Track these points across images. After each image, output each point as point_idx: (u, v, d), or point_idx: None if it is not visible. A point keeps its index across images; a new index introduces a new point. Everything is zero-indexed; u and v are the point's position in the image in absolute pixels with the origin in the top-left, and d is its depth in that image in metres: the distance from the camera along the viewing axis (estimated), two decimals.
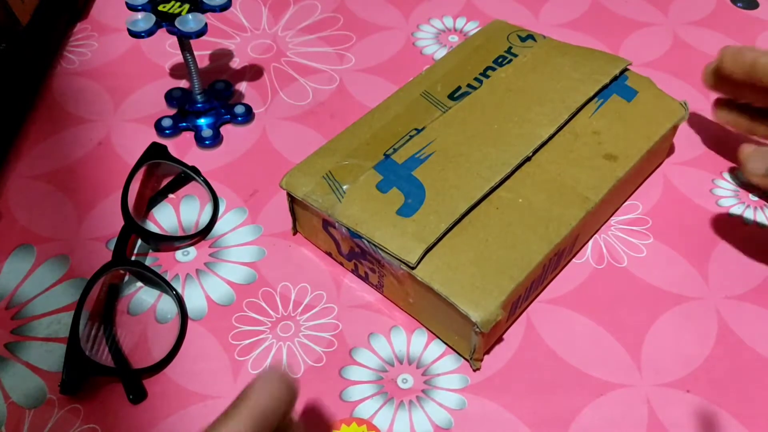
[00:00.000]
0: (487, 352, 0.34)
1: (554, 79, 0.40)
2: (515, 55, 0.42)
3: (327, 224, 0.36)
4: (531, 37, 0.43)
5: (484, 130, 0.37)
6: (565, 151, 0.37)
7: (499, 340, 0.35)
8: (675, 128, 0.40)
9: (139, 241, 0.38)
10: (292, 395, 0.24)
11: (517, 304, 0.34)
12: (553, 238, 0.33)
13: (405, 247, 0.32)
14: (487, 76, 0.41)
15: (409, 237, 0.33)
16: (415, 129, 0.38)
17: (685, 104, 0.40)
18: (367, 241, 0.33)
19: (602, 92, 0.40)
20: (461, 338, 0.33)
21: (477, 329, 0.31)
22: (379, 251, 0.33)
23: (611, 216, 0.40)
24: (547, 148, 0.37)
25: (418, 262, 0.32)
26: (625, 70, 0.41)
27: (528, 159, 0.36)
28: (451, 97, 0.40)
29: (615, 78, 0.40)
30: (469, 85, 0.40)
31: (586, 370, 0.34)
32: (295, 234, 0.39)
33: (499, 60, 0.42)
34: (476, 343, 0.32)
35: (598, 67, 0.41)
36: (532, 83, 0.40)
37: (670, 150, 0.43)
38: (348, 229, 0.34)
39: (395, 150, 0.36)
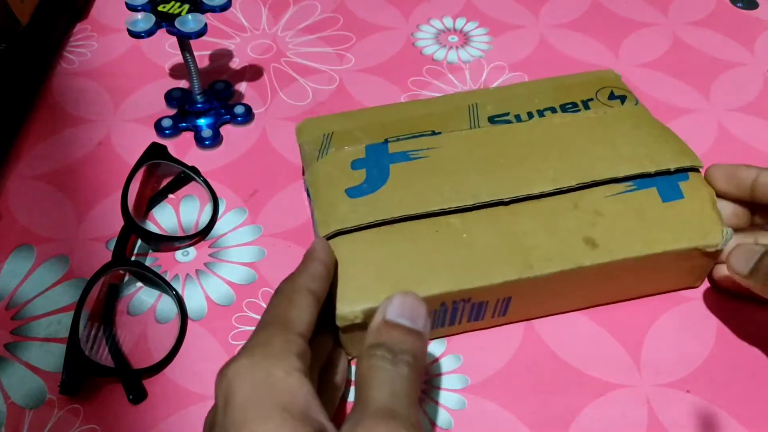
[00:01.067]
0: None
1: (600, 145, 0.36)
2: (588, 109, 0.38)
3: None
4: (623, 98, 0.39)
5: (489, 160, 0.35)
6: (551, 214, 0.34)
7: None
8: (701, 254, 0.34)
9: (139, 242, 0.38)
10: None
11: None
12: (465, 283, 0.31)
13: (326, 220, 0.33)
14: (542, 116, 0.38)
15: (335, 214, 0.33)
16: (433, 131, 0.37)
17: (727, 233, 0.33)
18: (310, 203, 0.34)
19: (641, 179, 0.35)
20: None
21: (337, 321, 0.31)
22: (313, 215, 0.34)
23: (581, 310, 0.36)
24: (534, 203, 0.34)
25: (326, 238, 0.33)
26: (690, 169, 0.35)
27: (503, 204, 0.34)
28: (491, 120, 0.38)
29: (667, 171, 0.35)
30: (516, 116, 0.38)
31: (586, 371, 0.34)
32: (304, 175, 0.40)
33: (567, 106, 0.38)
34: (341, 336, 0.32)
35: (658, 153, 0.35)
36: (574, 139, 0.36)
37: (696, 279, 0.36)
38: (306, 187, 0.36)
39: (398, 139, 0.36)
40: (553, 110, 0.38)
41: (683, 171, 0.35)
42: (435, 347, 0.35)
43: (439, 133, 0.37)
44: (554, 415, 0.32)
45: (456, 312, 0.33)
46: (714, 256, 0.34)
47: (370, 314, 0.30)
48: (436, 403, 0.33)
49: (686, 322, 0.36)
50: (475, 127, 0.37)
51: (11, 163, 0.42)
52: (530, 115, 0.38)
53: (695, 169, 0.35)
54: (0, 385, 0.33)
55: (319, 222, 0.33)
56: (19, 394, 0.32)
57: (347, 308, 0.31)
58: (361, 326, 0.31)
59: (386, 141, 0.36)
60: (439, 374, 0.34)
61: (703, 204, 0.34)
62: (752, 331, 0.35)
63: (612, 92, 0.40)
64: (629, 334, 0.35)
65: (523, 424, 0.32)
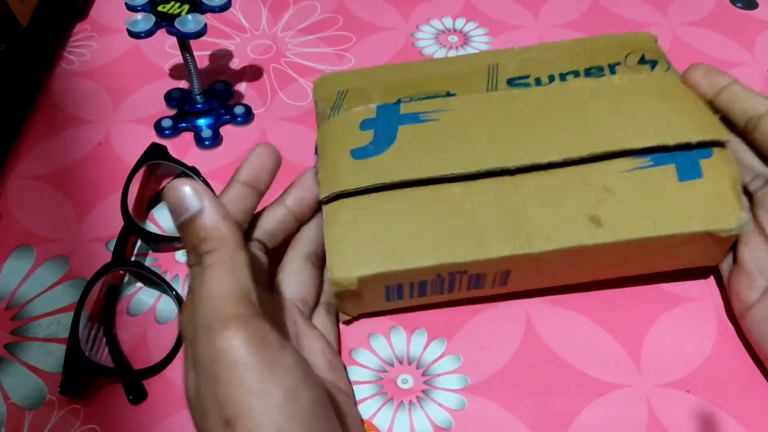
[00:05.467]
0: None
1: (619, 116, 0.34)
2: (614, 74, 0.36)
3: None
4: (653, 63, 0.37)
5: (500, 125, 0.34)
6: (558, 187, 0.32)
7: (364, 316, 0.35)
8: (714, 238, 0.32)
9: (139, 242, 0.38)
10: (276, 159, 0.31)
11: (395, 292, 0.33)
12: (460, 256, 0.31)
13: (329, 181, 0.33)
14: (563, 80, 0.36)
15: (338, 175, 0.33)
16: (448, 92, 0.36)
17: (743, 218, 0.31)
18: (316, 162, 0.35)
19: (659, 154, 0.33)
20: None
21: (332, 285, 0.31)
22: (318, 174, 0.34)
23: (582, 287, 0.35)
24: (541, 173, 0.32)
25: (326, 200, 0.33)
26: (715, 144, 0.33)
27: (509, 173, 0.32)
28: (510, 82, 0.36)
29: (688, 146, 0.32)
30: (537, 80, 0.36)
31: (586, 370, 0.34)
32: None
33: (592, 71, 0.36)
34: (336, 297, 0.33)
35: (681, 125, 0.33)
36: (592, 108, 0.34)
37: (711, 260, 0.35)
38: (316, 146, 0.36)
39: (410, 99, 0.36)
40: (576, 74, 0.36)
41: (706, 146, 0.32)
42: (435, 347, 0.35)
43: (453, 95, 0.36)
44: (554, 415, 0.32)
45: (453, 282, 0.33)
46: (728, 242, 0.32)
47: (364, 281, 0.31)
48: (436, 403, 0.33)
49: (686, 322, 0.36)
50: (492, 90, 0.36)
51: (11, 163, 0.42)
52: (551, 79, 0.36)
53: (720, 144, 0.33)
54: (0, 385, 0.33)
55: (321, 182, 0.33)
56: (19, 395, 0.32)
57: (342, 274, 0.31)
58: (354, 292, 0.32)
59: (399, 101, 0.36)
60: (439, 374, 0.34)
61: (722, 185, 0.32)
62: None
63: (643, 56, 0.37)
64: (629, 334, 0.35)
65: (522, 425, 0.32)
